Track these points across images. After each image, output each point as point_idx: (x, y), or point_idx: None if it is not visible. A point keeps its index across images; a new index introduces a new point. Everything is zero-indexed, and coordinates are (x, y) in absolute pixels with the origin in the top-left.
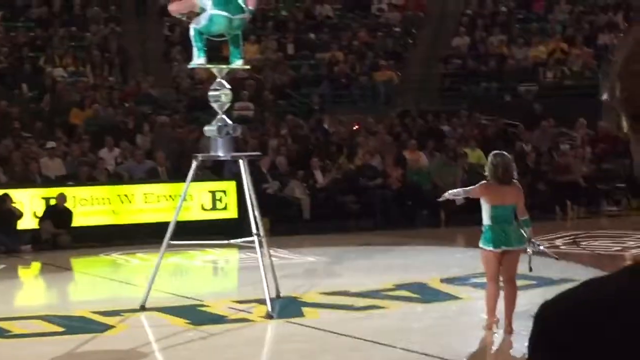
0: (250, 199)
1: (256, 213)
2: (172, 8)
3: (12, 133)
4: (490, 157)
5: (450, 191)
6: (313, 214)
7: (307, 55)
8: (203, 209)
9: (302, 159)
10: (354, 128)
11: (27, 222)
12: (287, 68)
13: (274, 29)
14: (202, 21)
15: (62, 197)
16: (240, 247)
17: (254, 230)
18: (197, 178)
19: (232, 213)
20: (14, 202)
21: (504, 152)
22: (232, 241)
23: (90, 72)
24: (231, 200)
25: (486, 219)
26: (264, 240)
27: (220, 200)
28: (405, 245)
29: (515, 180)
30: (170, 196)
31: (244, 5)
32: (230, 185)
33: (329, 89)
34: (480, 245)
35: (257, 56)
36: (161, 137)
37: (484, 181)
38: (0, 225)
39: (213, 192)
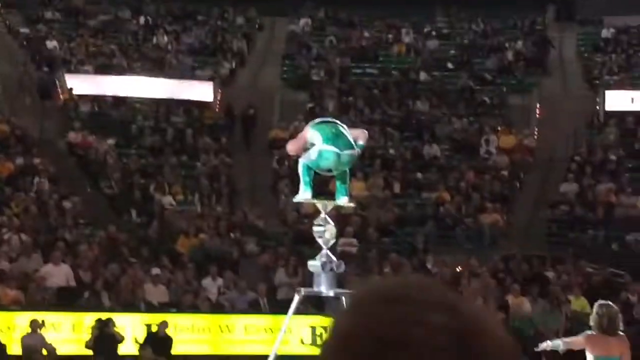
0: None
1: None
2: (289, 147)
3: (119, 258)
4: (595, 307)
5: (548, 342)
6: None
7: (413, 195)
8: (302, 343)
9: None
10: (457, 269)
11: (128, 348)
12: (392, 206)
13: (381, 166)
14: (311, 156)
15: (163, 325)
16: None
17: None
18: (298, 312)
19: None
20: (116, 327)
21: (610, 303)
22: None
23: (199, 201)
24: None
25: None
26: None
27: (320, 336)
28: None
29: (621, 332)
30: (270, 329)
31: (353, 142)
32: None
33: (434, 229)
34: None
35: (363, 193)
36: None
37: (588, 331)
38: (101, 350)
39: (313, 327)
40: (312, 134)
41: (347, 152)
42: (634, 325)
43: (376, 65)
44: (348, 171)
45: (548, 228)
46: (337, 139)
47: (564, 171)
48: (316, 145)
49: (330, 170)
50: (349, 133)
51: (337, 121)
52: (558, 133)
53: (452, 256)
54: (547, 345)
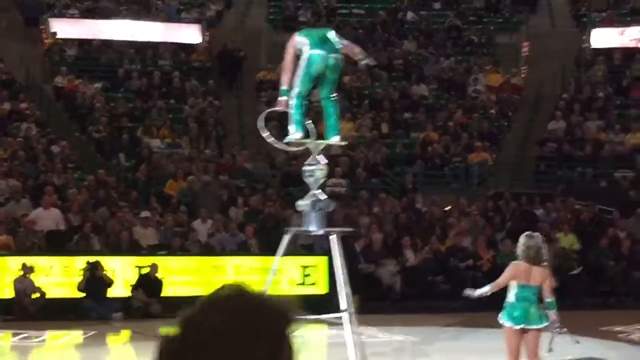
0: (341, 274)
1: (347, 289)
2: (282, 80)
3: (108, 201)
4: (523, 238)
5: (477, 290)
6: (403, 293)
7: (401, 135)
8: (292, 283)
9: (394, 238)
10: (447, 209)
11: (119, 290)
12: (381, 146)
13: (369, 107)
14: (301, 66)
15: (154, 267)
16: (329, 323)
17: (343, 306)
18: (288, 253)
19: (321, 289)
20: (105, 270)
21: (537, 234)
22: (321, 317)
23: (187, 144)
24: (321, 276)
25: (510, 296)
26: (353, 317)
27: (310, 275)
28: (495, 327)
29: (545, 263)
30: (261, 269)
31: (338, 47)
32: (321, 261)
33: (422, 169)
34: (501, 320)
35: (351, 134)
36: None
37: (514, 262)
38: (92, 293)
39: (304, 267)
40: (299, 39)
41: (333, 55)
42: (622, 261)
43: (363, 5)
44: (337, 107)
45: (536, 166)
46: (324, 43)
47: (552, 109)
48: (304, 51)
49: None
50: (337, 41)
51: (326, 28)
52: (546, 71)
53: (441, 196)
54: (474, 292)
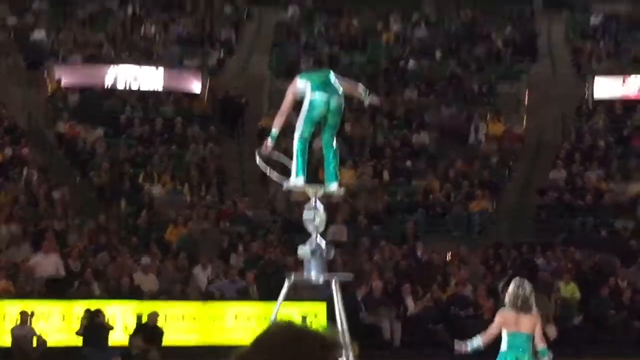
0: (341, 320)
1: (346, 336)
2: (275, 123)
3: (108, 247)
4: (511, 286)
5: (469, 343)
6: (403, 341)
7: (402, 182)
8: None
9: (395, 285)
10: (447, 258)
11: (119, 336)
12: (382, 194)
13: (371, 154)
14: (303, 110)
15: (154, 315)
16: None
17: (343, 353)
18: (288, 298)
19: None
20: (106, 316)
21: (525, 280)
22: None
23: (188, 191)
24: (321, 322)
25: (503, 345)
26: None
27: (310, 322)
28: None
29: (534, 310)
30: (260, 316)
31: (341, 90)
32: (321, 307)
33: (423, 217)
34: None
35: (353, 181)
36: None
37: (502, 309)
38: (91, 340)
39: (304, 314)
40: (301, 83)
41: (336, 98)
42: (623, 310)
43: (365, 53)
44: (337, 154)
45: (537, 215)
46: (325, 86)
47: (553, 158)
48: (306, 94)
49: (321, 121)
50: (339, 82)
51: (328, 70)
52: (547, 120)
53: (442, 244)
54: (465, 346)
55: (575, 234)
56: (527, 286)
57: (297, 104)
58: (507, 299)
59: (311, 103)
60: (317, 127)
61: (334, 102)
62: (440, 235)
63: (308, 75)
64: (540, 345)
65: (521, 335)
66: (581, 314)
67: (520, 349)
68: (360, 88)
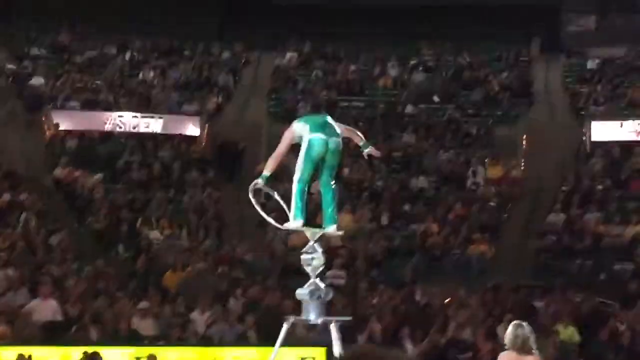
0: None
1: None
2: (269, 164)
3: (107, 292)
4: (511, 328)
5: None
6: None
7: (401, 226)
8: None
9: (393, 329)
10: (446, 301)
11: None
12: (380, 238)
13: (369, 198)
14: (302, 151)
15: (152, 358)
16: None
17: None
18: (287, 343)
19: None
20: None
21: (524, 323)
22: None
23: (186, 236)
24: None
25: None
26: None
27: None
28: None
29: (534, 352)
30: None
31: (338, 132)
32: (320, 353)
33: (422, 260)
34: None
35: (351, 225)
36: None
37: (502, 352)
38: None
39: (302, 359)
40: (298, 126)
41: (334, 139)
42: (623, 353)
43: (362, 98)
44: (336, 196)
45: (536, 258)
46: (324, 127)
47: (552, 201)
48: (304, 136)
49: (320, 162)
50: (337, 126)
51: (325, 114)
52: (545, 163)
53: (441, 287)
54: None
55: (574, 276)
56: (526, 327)
57: (294, 148)
58: (506, 340)
59: (310, 142)
60: (315, 172)
61: (332, 143)
62: (439, 279)
63: (306, 119)
64: None
65: None
66: (581, 358)
67: None
68: (358, 136)
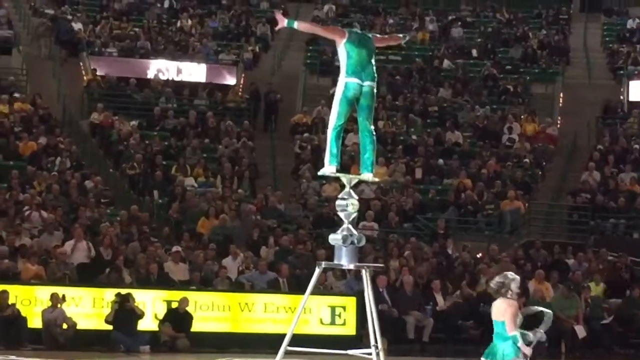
0: (371, 311)
1: (376, 327)
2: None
3: (140, 237)
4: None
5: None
6: (432, 337)
7: (434, 181)
8: (321, 323)
9: (424, 281)
10: (478, 256)
11: (148, 323)
12: (414, 192)
13: (404, 152)
14: (338, 92)
15: (184, 301)
16: None
17: (372, 342)
18: (317, 292)
19: (350, 330)
20: (136, 303)
21: (511, 274)
22: (349, 352)
23: (220, 184)
24: (350, 316)
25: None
26: (382, 354)
27: (339, 315)
28: None
29: (509, 297)
30: (290, 308)
31: (374, 75)
32: (350, 301)
33: (455, 215)
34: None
35: (385, 178)
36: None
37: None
38: (121, 325)
39: (332, 307)
40: (343, 50)
41: (368, 82)
42: None
43: (400, 52)
44: (374, 143)
45: (569, 216)
46: (362, 70)
47: (586, 160)
48: (341, 76)
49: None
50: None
51: (370, 37)
52: (581, 122)
53: (473, 242)
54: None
55: (607, 235)
56: (511, 275)
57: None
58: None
59: (346, 85)
60: (352, 111)
61: (367, 87)
62: (471, 234)
63: (351, 47)
64: (510, 332)
65: (497, 324)
66: (611, 315)
67: (497, 337)
68: (398, 36)
